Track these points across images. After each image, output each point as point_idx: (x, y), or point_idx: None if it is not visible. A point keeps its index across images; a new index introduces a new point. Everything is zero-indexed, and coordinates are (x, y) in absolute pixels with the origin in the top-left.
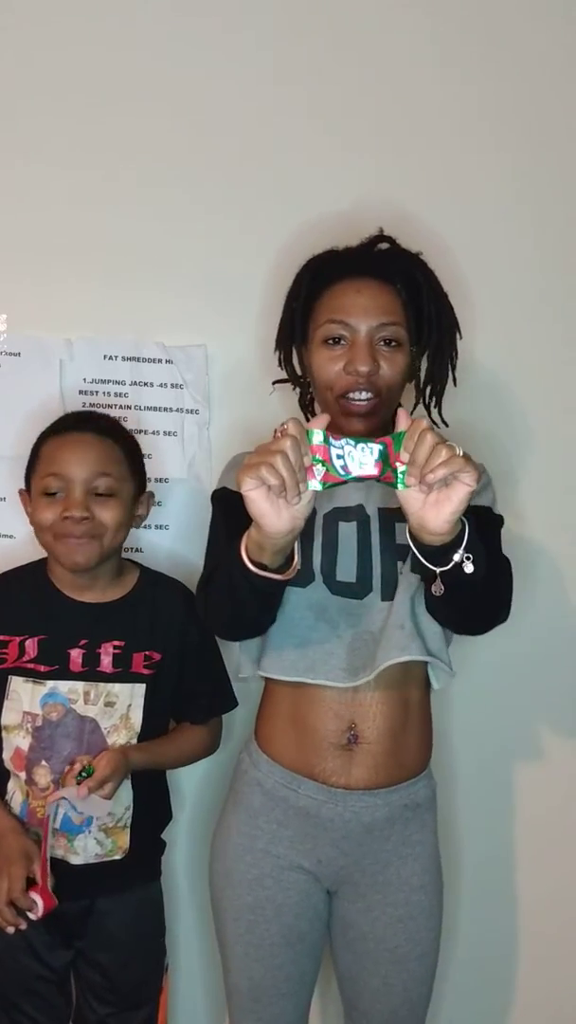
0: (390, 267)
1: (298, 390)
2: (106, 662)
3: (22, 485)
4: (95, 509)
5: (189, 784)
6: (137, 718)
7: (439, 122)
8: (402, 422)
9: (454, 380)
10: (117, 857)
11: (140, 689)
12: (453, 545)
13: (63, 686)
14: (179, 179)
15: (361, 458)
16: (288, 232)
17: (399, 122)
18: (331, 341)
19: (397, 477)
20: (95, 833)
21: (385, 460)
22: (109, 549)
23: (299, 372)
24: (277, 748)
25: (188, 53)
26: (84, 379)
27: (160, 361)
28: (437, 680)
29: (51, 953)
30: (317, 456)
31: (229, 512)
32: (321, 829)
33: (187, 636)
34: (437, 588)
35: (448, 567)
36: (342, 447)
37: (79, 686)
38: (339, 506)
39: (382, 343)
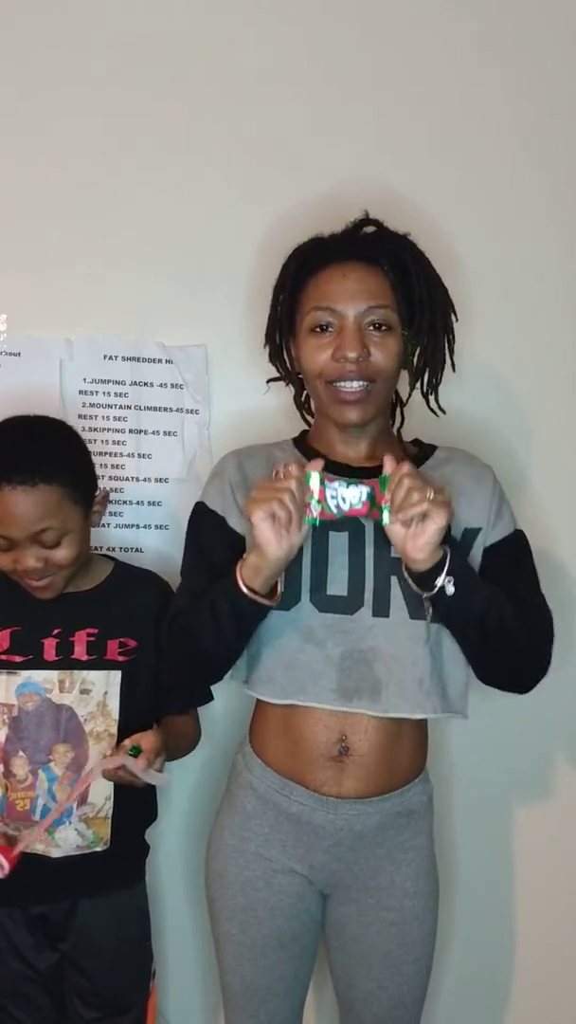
0: (376, 249)
1: (292, 388)
2: (80, 650)
3: None
4: (47, 554)
5: (182, 790)
6: (114, 706)
7: (437, 103)
8: (387, 466)
9: (452, 366)
10: (99, 849)
11: (116, 676)
12: (436, 571)
13: (37, 675)
14: (179, 179)
15: (351, 498)
16: (290, 232)
17: (401, 110)
18: (318, 329)
19: (382, 514)
20: (76, 824)
21: (372, 500)
22: (72, 573)
23: (291, 368)
24: (270, 755)
25: (186, 53)
26: (84, 379)
27: (160, 361)
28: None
29: (37, 955)
30: (314, 495)
31: (209, 537)
32: (313, 835)
33: (162, 625)
34: (428, 614)
35: (434, 591)
36: (335, 488)
37: (53, 675)
38: None
39: (371, 328)
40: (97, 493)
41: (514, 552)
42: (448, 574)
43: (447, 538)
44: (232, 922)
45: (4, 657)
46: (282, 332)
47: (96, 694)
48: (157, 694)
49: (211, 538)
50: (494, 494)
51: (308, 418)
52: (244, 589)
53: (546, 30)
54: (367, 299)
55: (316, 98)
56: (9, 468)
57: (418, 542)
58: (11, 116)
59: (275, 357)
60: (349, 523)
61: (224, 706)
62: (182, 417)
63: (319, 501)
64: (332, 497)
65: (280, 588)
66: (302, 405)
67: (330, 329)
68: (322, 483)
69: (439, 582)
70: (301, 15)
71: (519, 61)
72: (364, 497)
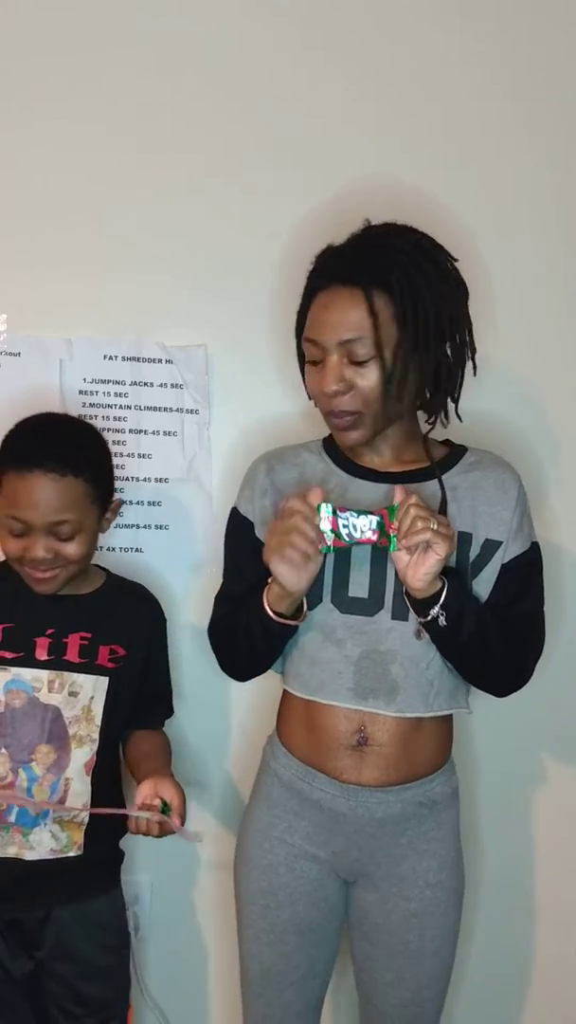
0: (359, 271)
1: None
2: (72, 652)
3: None
4: (58, 546)
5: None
6: (98, 711)
7: (450, 101)
8: (397, 496)
9: (474, 369)
10: (72, 854)
11: (103, 682)
12: (432, 601)
13: (27, 673)
14: (179, 178)
15: (362, 526)
16: (290, 232)
17: (410, 109)
18: (311, 360)
19: (391, 541)
20: (50, 826)
21: (382, 528)
22: (76, 571)
23: None
24: (294, 744)
25: (185, 51)
26: (84, 379)
27: (160, 361)
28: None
29: (12, 962)
30: (327, 525)
31: (239, 542)
32: (335, 822)
33: (150, 640)
34: (420, 635)
35: (427, 619)
36: (347, 518)
37: (43, 674)
38: None
39: (352, 360)
40: (113, 500)
41: (526, 569)
42: (442, 607)
43: (448, 569)
44: (253, 906)
45: None
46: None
47: (83, 698)
48: (139, 706)
49: (241, 543)
50: (517, 505)
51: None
52: (271, 614)
53: (557, 28)
54: (344, 331)
55: (321, 96)
56: (42, 455)
57: (419, 571)
58: (11, 116)
59: (301, 369)
60: None
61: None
62: (182, 417)
63: (332, 531)
64: (344, 526)
65: (306, 608)
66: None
67: (318, 361)
68: (334, 513)
69: (433, 612)
70: (303, 11)
71: (532, 59)
72: (374, 526)
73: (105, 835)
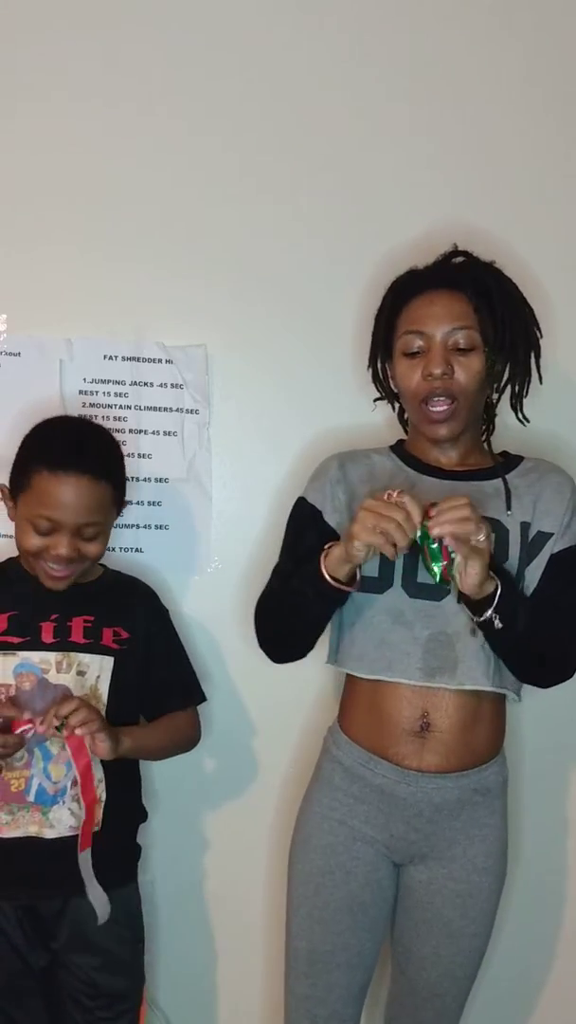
0: (461, 277)
1: (391, 405)
2: (76, 634)
3: None
4: (80, 546)
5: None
6: (104, 691)
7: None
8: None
9: (540, 378)
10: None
11: (108, 663)
12: (486, 603)
13: (35, 656)
14: (179, 178)
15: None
16: (291, 232)
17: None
18: (411, 352)
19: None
20: (69, 803)
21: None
22: (87, 568)
23: (390, 388)
24: (356, 731)
25: (185, 50)
26: (84, 379)
27: (160, 361)
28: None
29: (29, 953)
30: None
31: (304, 529)
32: (394, 806)
33: (152, 625)
34: (475, 632)
35: (481, 619)
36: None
37: (51, 656)
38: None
39: (456, 349)
40: (125, 503)
41: (573, 561)
42: (495, 611)
43: (500, 570)
44: (308, 885)
45: (2, 638)
46: (382, 356)
47: (90, 677)
48: (154, 693)
49: (306, 528)
50: (570, 505)
51: (407, 431)
52: (328, 578)
53: None
54: (451, 321)
55: (322, 97)
56: (81, 458)
57: (468, 580)
58: (11, 117)
59: (376, 378)
60: None
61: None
62: (182, 417)
63: (443, 561)
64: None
65: (359, 576)
66: (404, 422)
67: (420, 352)
68: (423, 540)
69: (487, 614)
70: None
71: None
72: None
73: (122, 814)
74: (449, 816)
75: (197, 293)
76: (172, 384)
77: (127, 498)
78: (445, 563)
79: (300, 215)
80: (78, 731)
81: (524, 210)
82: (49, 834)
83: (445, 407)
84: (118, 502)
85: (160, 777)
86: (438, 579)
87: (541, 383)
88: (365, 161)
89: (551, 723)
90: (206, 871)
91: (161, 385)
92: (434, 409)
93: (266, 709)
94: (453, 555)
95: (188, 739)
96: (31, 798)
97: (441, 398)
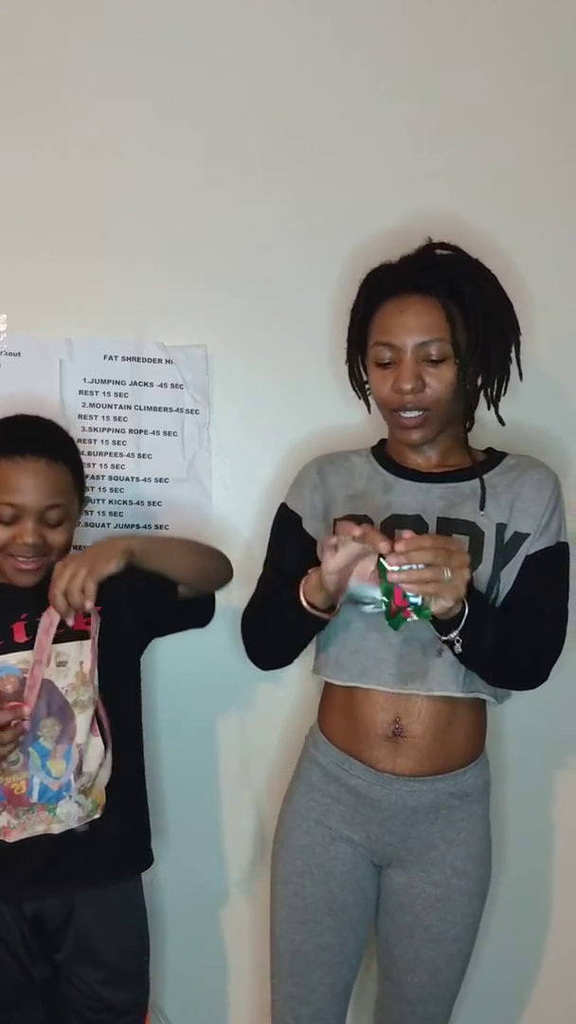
0: (433, 281)
1: (366, 405)
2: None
3: None
4: (46, 533)
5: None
6: (91, 671)
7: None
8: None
9: (520, 375)
10: (98, 816)
11: (87, 645)
12: (453, 624)
13: (11, 658)
14: (179, 178)
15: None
16: (289, 231)
17: (407, 120)
18: (382, 363)
19: (418, 612)
20: (76, 796)
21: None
22: (54, 563)
23: (366, 389)
24: (333, 733)
25: (187, 51)
26: (84, 379)
27: (160, 361)
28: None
29: (32, 964)
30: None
31: (285, 538)
32: (370, 808)
33: (116, 582)
34: (440, 653)
35: (445, 638)
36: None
37: (28, 655)
38: (397, 513)
39: (427, 360)
40: (86, 495)
41: (551, 565)
42: (460, 634)
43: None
44: (288, 885)
45: None
46: (358, 356)
47: (72, 664)
48: (165, 613)
49: (287, 536)
50: (549, 503)
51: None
52: (305, 605)
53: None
54: (421, 334)
55: (323, 98)
56: (34, 442)
57: (435, 610)
58: (11, 118)
59: (352, 378)
60: (412, 522)
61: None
62: (182, 417)
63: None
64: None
65: (339, 606)
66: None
67: (391, 363)
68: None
69: (451, 636)
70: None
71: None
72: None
73: (126, 789)
74: (425, 820)
75: (197, 293)
76: (172, 384)
77: (127, 499)
78: (397, 606)
79: (300, 215)
80: (86, 602)
81: (507, 200)
82: (57, 829)
83: (416, 416)
84: (78, 488)
85: (171, 789)
86: (385, 614)
87: (521, 380)
88: (365, 162)
89: (536, 725)
90: (210, 875)
91: (161, 385)
92: (406, 416)
93: (266, 707)
94: (410, 598)
95: (215, 555)
96: (34, 799)
97: (412, 411)
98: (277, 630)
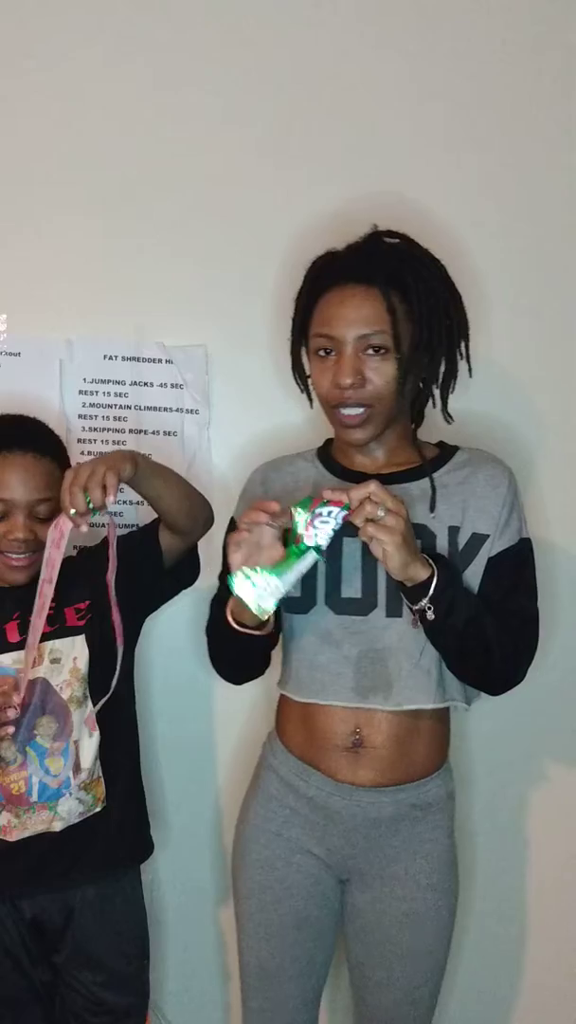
0: (376, 271)
1: (308, 400)
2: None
3: None
4: (37, 528)
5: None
6: (83, 666)
7: (443, 117)
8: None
9: (469, 371)
10: (98, 809)
11: (80, 640)
12: (422, 592)
13: (6, 658)
14: (179, 178)
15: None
16: (289, 231)
17: (401, 119)
18: (322, 353)
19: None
20: (76, 793)
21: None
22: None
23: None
24: (291, 742)
25: (187, 51)
26: (84, 379)
27: (160, 361)
28: (455, 706)
29: (32, 968)
30: (300, 525)
31: None
32: (329, 819)
33: (99, 570)
34: (415, 624)
35: (416, 607)
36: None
37: (21, 654)
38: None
39: (369, 351)
40: None
41: (516, 563)
42: (431, 600)
43: (442, 559)
44: (250, 900)
45: None
46: (299, 348)
47: (66, 661)
48: (157, 566)
49: None
50: (506, 501)
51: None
52: (232, 623)
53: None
54: (361, 326)
55: (324, 101)
56: (22, 438)
57: (387, 564)
58: (12, 116)
59: (295, 370)
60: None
61: (252, 700)
62: (182, 417)
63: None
64: (323, 522)
65: (271, 622)
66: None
67: (332, 354)
68: (311, 513)
69: (422, 604)
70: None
71: (526, 74)
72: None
73: (124, 778)
74: (388, 832)
75: (197, 293)
76: (172, 384)
77: (127, 498)
78: (301, 531)
79: (301, 215)
80: (108, 498)
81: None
82: (59, 826)
83: (358, 413)
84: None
85: (170, 790)
86: (293, 546)
87: (471, 376)
88: (365, 162)
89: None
90: (210, 875)
91: (161, 385)
92: (346, 413)
93: (266, 707)
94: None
95: (200, 495)
96: (34, 798)
97: (353, 408)
98: (228, 650)
